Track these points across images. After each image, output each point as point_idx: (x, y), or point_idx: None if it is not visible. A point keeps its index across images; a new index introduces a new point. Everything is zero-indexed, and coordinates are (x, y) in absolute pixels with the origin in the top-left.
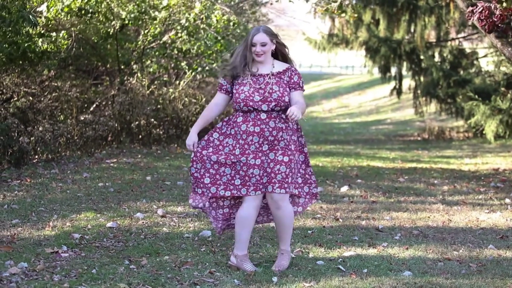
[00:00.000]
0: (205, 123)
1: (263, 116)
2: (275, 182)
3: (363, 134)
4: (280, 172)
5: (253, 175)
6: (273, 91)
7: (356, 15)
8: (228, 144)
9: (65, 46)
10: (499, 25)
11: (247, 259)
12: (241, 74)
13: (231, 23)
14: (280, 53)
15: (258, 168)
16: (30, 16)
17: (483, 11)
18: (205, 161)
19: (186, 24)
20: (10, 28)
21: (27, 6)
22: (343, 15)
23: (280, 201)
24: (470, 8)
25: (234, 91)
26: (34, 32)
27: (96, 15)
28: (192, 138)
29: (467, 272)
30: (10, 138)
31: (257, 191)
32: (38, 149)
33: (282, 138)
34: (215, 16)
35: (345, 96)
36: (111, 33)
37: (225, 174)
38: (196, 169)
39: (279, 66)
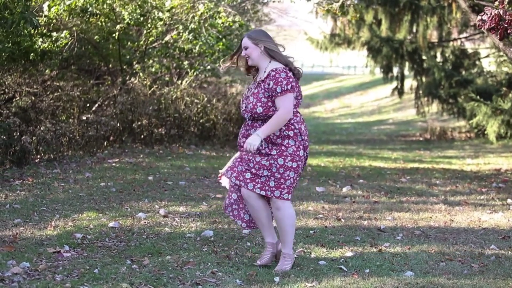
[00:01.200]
0: None
1: (249, 122)
2: (257, 182)
3: (365, 134)
4: (263, 175)
5: (239, 164)
6: (249, 102)
7: (357, 15)
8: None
9: (63, 44)
10: (509, 31)
11: (265, 249)
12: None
13: (237, 24)
14: (273, 56)
15: (243, 162)
16: (32, 18)
17: (493, 18)
18: None
19: (192, 26)
20: (11, 30)
21: (29, 7)
22: (343, 11)
23: (280, 201)
24: (479, 17)
25: None
26: (35, 32)
27: (98, 16)
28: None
29: (469, 273)
30: (12, 138)
31: (237, 180)
32: (40, 148)
33: (263, 147)
34: (220, 18)
35: (347, 96)
36: (115, 36)
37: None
38: None
39: (268, 71)
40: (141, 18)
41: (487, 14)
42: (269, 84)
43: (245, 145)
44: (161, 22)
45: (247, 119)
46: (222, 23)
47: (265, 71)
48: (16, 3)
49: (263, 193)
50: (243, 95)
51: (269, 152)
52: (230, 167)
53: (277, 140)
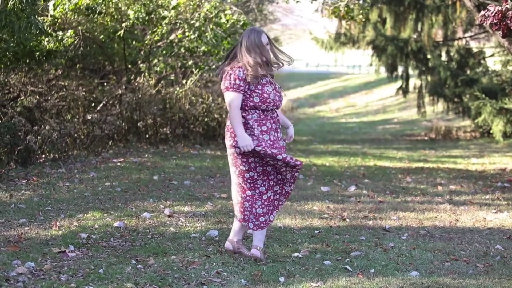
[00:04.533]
0: None
1: (275, 114)
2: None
3: (370, 133)
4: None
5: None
6: (280, 92)
7: (363, 19)
8: (266, 140)
9: (69, 43)
10: None
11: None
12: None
13: (241, 23)
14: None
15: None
16: (38, 23)
17: (496, 14)
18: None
19: (197, 25)
20: (19, 34)
21: (36, 12)
22: (350, 16)
23: None
24: (482, 13)
25: (258, 91)
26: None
27: (103, 15)
28: (248, 138)
29: (474, 272)
30: (17, 137)
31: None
32: (45, 148)
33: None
34: (225, 16)
35: (352, 96)
36: (121, 34)
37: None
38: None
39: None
40: (147, 17)
41: (489, 11)
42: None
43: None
44: (166, 21)
45: (272, 112)
46: (227, 20)
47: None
48: (22, 9)
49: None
50: (271, 89)
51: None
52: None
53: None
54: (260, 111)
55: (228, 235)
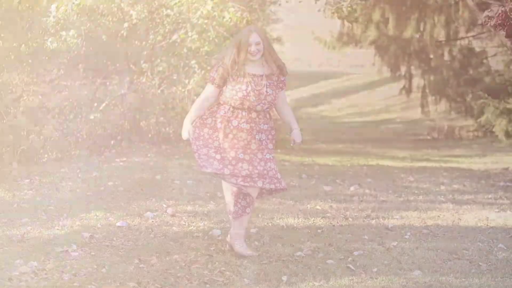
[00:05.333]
0: (197, 116)
1: (254, 115)
2: (266, 177)
3: (372, 133)
4: (271, 169)
5: (243, 169)
6: (267, 93)
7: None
8: (218, 138)
9: (72, 43)
10: None
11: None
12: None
13: (244, 21)
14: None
15: (248, 163)
16: (41, 23)
17: (500, 15)
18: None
19: (199, 22)
20: (22, 34)
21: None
22: (354, 17)
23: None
24: (486, 13)
25: (230, 87)
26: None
27: (107, 16)
28: (188, 128)
29: (477, 272)
30: (20, 137)
31: (245, 183)
32: (48, 147)
33: (266, 138)
34: (229, 13)
35: (355, 95)
36: (123, 34)
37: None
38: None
39: (268, 67)
40: (149, 17)
41: (493, 11)
42: (278, 77)
43: (297, 139)
44: (169, 19)
45: (248, 111)
46: (230, 18)
47: (263, 66)
48: (28, 10)
49: (272, 186)
50: (245, 87)
51: (267, 146)
52: (231, 174)
53: (271, 131)
54: (230, 108)
55: None
